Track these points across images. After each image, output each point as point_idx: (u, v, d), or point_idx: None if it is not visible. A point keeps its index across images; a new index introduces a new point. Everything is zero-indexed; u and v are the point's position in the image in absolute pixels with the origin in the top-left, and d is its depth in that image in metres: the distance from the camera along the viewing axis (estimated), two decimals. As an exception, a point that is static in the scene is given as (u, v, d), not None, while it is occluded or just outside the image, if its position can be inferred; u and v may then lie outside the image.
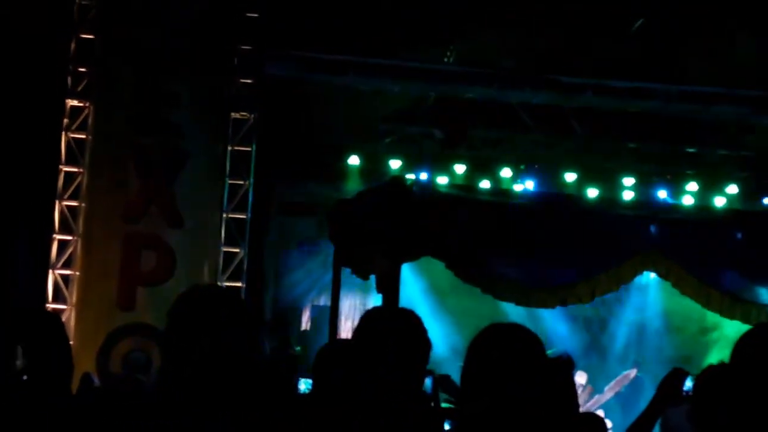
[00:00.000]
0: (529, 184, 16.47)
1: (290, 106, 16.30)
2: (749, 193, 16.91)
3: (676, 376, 4.82)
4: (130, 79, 14.98)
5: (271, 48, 15.35)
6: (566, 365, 5.72)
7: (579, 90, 15.74)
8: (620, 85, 15.79)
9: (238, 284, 15.04)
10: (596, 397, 16.03)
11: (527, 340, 3.68)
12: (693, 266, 14.32)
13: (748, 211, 16.31)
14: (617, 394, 16.83)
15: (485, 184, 16.53)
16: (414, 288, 17.06)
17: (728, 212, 16.19)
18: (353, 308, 17.79)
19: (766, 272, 14.56)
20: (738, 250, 14.69)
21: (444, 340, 14.99)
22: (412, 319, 4.08)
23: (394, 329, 4.01)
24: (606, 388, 16.19)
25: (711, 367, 4.36)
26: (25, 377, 4.00)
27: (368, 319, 4.14)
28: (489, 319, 3.90)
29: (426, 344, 4.05)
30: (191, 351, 3.39)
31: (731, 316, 14.70)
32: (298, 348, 17.03)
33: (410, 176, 16.09)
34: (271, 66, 15.41)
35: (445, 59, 16.22)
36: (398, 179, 14.62)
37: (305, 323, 18.42)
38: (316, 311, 18.19)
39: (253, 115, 15.35)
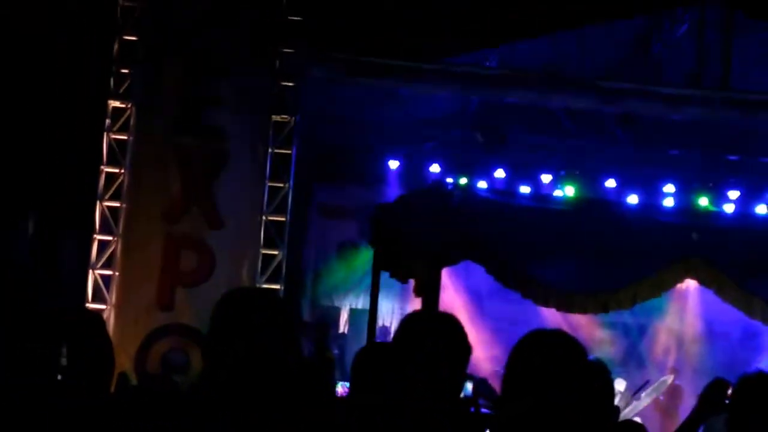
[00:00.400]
0: (569, 190, 16.38)
1: (331, 109, 16.30)
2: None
3: (717, 385, 4.81)
4: (172, 81, 15.05)
5: (313, 50, 15.36)
6: (605, 371, 5.67)
7: (621, 96, 15.67)
8: (663, 91, 15.70)
9: (277, 286, 15.06)
10: (634, 403, 15.93)
11: (570, 346, 3.66)
12: (735, 274, 14.24)
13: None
14: (656, 402, 16.73)
15: (525, 189, 16.47)
16: (453, 293, 17.03)
17: (769, 219, 16.09)
18: (391, 312, 17.78)
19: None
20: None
21: (482, 346, 14.97)
22: (452, 323, 4.06)
23: (434, 332, 3.99)
24: (643, 394, 16.08)
25: (748, 375, 4.33)
26: (61, 377, 4.00)
27: (408, 322, 4.13)
28: (527, 325, 3.89)
29: (466, 348, 4.03)
30: (228, 353, 3.39)
31: (772, 324, 14.64)
32: (336, 351, 17.03)
33: (450, 180, 16.07)
34: (313, 68, 15.42)
35: (487, 63, 16.18)
36: (439, 184, 14.64)
37: (343, 326, 18.43)
38: (355, 314, 18.19)
39: (293, 118, 15.38)
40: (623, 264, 14.02)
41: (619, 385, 16.11)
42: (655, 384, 16.38)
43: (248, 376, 3.36)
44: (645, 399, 15.95)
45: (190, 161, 14.96)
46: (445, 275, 15.16)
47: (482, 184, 16.37)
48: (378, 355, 4.66)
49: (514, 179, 16.68)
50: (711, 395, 4.82)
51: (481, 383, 7.15)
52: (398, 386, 3.86)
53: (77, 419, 3.77)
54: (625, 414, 14.98)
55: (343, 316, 18.43)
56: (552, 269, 13.97)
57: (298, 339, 3.67)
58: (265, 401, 3.36)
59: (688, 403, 15.49)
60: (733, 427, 4.19)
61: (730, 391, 4.77)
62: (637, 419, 13.61)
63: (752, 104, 15.51)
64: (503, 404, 3.66)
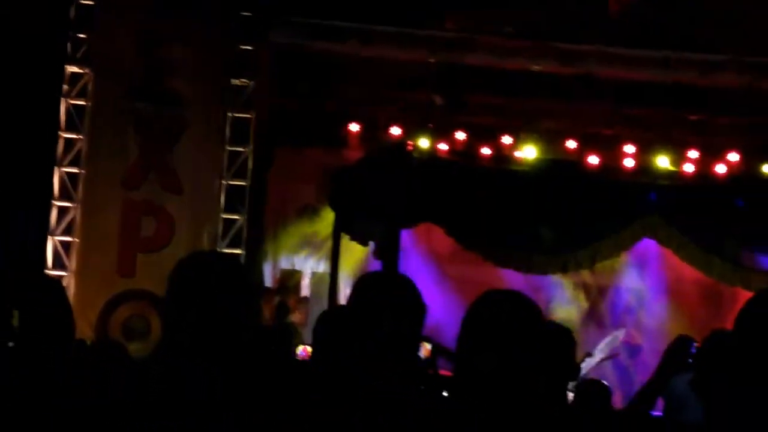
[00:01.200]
0: (530, 152, 16.38)
1: (291, 73, 16.22)
2: (750, 160, 16.83)
3: (681, 343, 4.82)
4: (130, 46, 14.94)
5: (272, 14, 15.28)
6: (566, 332, 5.71)
7: (579, 57, 15.67)
8: (621, 51, 15.71)
9: (238, 251, 15.05)
10: (587, 360, 16.01)
11: (525, 306, 3.66)
12: (694, 233, 14.33)
13: (749, 178, 16.28)
14: (614, 361, 16.81)
15: (486, 151, 16.46)
16: (414, 256, 17.03)
17: (729, 179, 16.16)
18: (353, 275, 17.76)
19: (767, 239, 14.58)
20: (739, 217, 14.70)
21: (445, 309, 14.99)
22: (406, 284, 4.05)
23: (388, 294, 3.97)
24: (595, 351, 16.16)
25: (713, 334, 4.35)
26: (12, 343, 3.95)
27: (362, 284, 4.11)
28: (489, 287, 3.88)
29: (421, 309, 4.01)
30: (188, 317, 3.36)
31: (731, 283, 14.73)
32: (299, 315, 17.01)
33: (411, 143, 16.04)
34: (272, 32, 15.35)
35: (446, 26, 16.13)
36: (398, 146, 14.62)
37: (304, 290, 18.40)
38: (316, 278, 18.17)
39: (253, 82, 15.32)
40: (583, 224, 14.08)
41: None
42: (608, 339, 16.44)
43: (209, 339, 3.34)
44: (597, 355, 16.00)
45: (148, 127, 14.89)
46: (407, 239, 15.17)
47: (443, 147, 16.36)
48: (338, 319, 4.66)
49: (474, 141, 16.66)
50: (675, 351, 4.84)
51: (439, 346, 7.18)
52: (355, 349, 3.85)
53: (22, 386, 3.74)
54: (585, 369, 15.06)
55: (305, 280, 18.41)
56: (512, 231, 14.00)
57: (258, 303, 3.66)
58: (225, 366, 3.34)
59: (648, 363, 15.58)
60: (697, 386, 4.20)
61: (693, 349, 4.79)
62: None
63: (711, 64, 15.54)
64: (459, 367, 3.65)
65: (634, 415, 4.90)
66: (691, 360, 4.77)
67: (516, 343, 3.54)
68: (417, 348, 4.19)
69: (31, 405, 3.62)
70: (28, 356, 3.81)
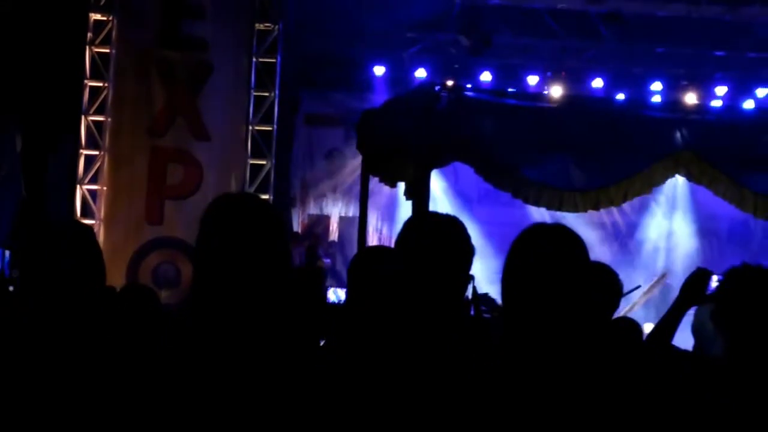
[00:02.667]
0: (556, 90, 16.29)
1: (315, 17, 16.15)
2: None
3: (699, 275, 4.79)
4: (154, -8, 14.91)
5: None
6: (609, 270, 5.68)
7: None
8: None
9: (266, 196, 15.06)
10: (627, 306, 15.97)
11: (572, 239, 3.62)
12: (725, 166, 14.19)
13: (779, 112, 16.18)
14: (647, 301, 16.79)
15: (513, 90, 16.40)
16: (443, 197, 17.01)
17: (758, 113, 16.05)
18: (379, 219, 17.76)
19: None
20: (768, 151, 14.59)
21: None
22: (454, 224, 4.01)
23: (436, 234, 3.94)
24: (637, 293, 16.13)
25: (735, 268, 4.29)
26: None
27: (411, 224, 4.07)
28: (518, 227, 3.82)
29: (469, 249, 3.98)
30: (217, 261, 3.32)
31: (765, 216, 14.62)
32: (328, 260, 17.06)
33: (437, 84, 15.98)
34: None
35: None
36: (425, 86, 14.53)
37: (333, 234, 18.42)
38: (344, 222, 18.19)
39: (277, 27, 15.25)
40: (613, 161, 13.95)
41: None
42: (652, 282, 16.40)
43: (239, 284, 3.29)
44: (640, 297, 15.95)
45: (173, 73, 14.86)
46: (434, 180, 15.12)
47: (469, 86, 16.27)
48: (374, 259, 4.61)
49: (500, 81, 16.61)
50: (693, 284, 4.80)
51: (482, 296, 7.14)
52: (399, 289, 3.82)
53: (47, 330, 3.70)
54: (619, 312, 15.03)
55: (333, 225, 18.42)
56: (542, 168, 13.89)
57: (288, 244, 3.60)
58: (261, 309, 3.30)
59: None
60: (718, 319, 4.17)
61: (715, 282, 4.75)
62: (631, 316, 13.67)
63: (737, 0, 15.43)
64: (505, 301, 3.61)
65: (656, 350, 4.87)
66: (710, 293, 4.74)
67: (561, 279, 3.50)
68: (464, 290, 4.15)
69: (57, 347, 3.59)
70: (56, 301, 3.76)
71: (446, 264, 3.86)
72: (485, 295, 7.37)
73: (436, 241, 3.88)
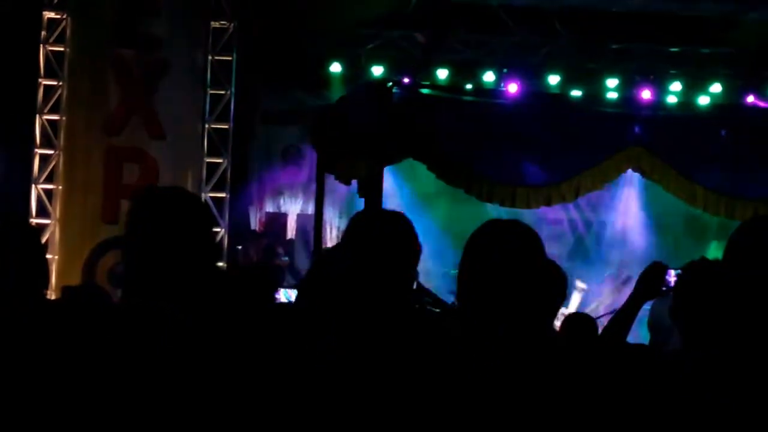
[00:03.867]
0: (512, 87, 16.33)
1: (271, 14, 16.12)
2: (733, 90, 16.85)
3: (655, 269, 4.83)
4: (109, -9, 14.83)
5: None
6: (557, 268, 5.73)
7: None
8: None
9: (222, 194, 15.04)
10: (594, 304, 16.04)
11: (527, 235, 3.65)
12: (677, 162, 14.33)
13: (732, 108, 16.29)
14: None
15: (469, 87, 16.42)
16: (398, 195, 17.01)
17: (712, 109, 16.17)
18: (338, 217, 17.77)
19: (750, 168, 14.60)
20: (722, 147, 14.72)
21: (428, 246, 14.98)
22: (400, 220, 4.02)
23: (382, 231, 3.95)
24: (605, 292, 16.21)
25: (691, 262, 4.34)
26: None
27: (356, 221, 4.08)
28: (474, 224, 3.84)
29: (416, 246, 4.00)
30: (143, 256, 3.32)
31: (716, 212, 14.76)
32: (285, 257, 17.05)
33: (392, 81, 15.99)
34: (250, -27, 15.24)
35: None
36: (379, 82, 14.56)
37: (291, 232, 18.41)
38: (302, 219, 18.17)
39: (233, 24, 15.22)
40: (566, 156, 14.06)
41: (581, 283, 16.26)
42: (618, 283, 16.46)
43: (167, 280, 3.29)
44: (606, 298, 16.03)
45: (128, 72, 14.80)
46: (390, 177, 15.15)
47: (425, 83, 16.29)
48: (329, 258, 4.61)
49: (456, 78, 16.62)
50: (649, 278, 4.85)
51: (424, 290, 7.18)
52: (347, 287, 3.83)
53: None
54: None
55: (291, 222, 18.41)
56: (495, 164, 13.98)
57: (212, 237, 3.58)
58: (191, 307, 3.30)
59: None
60: (675, 314, 4.21)
61: (672, 277, 4.79)
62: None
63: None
64: (460, 297, 3.64)
65: (611, 344, 4.91)
66: (665, 288, 4.78)
67: (520, 271, 3.53)
68: (411, 286, 4.16)
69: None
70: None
71: (392, 261, 3.87)
72: (427, 290, 7.42)
73: (382, 239, 3.90)
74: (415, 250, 3.97)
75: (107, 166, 14.75)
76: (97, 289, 6.38)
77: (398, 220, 4.02)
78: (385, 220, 4.05)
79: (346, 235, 4.03)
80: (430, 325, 3.92)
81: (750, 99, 16.49)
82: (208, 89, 15.18)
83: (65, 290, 10.61)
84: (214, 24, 15.19)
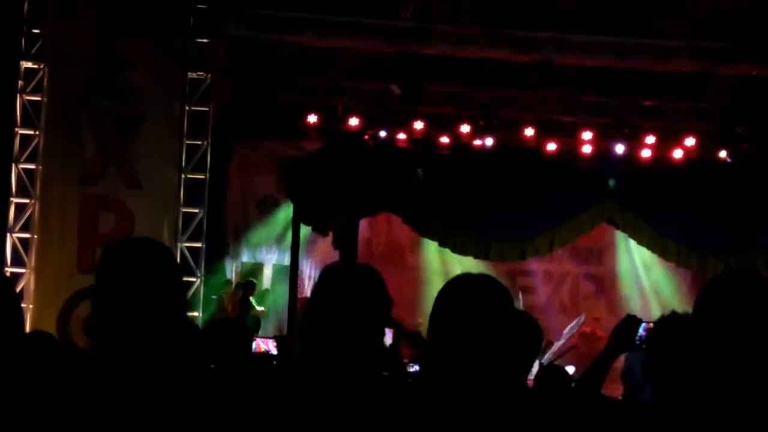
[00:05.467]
0: (489, 140, 16.39)
1: (248, 65, 16.19)
2: (706, 144, 16.95)
3: (628, 322, 4.85)
4: (85, 41, 14.86)
5: (227, 6, 15.24)
6: (531, 322, 5.74)
7: (536, 44, 15.71)
8: (578, 38, 15.76)
9: (198, 244, 15.04)
10: (556, 344, 16.06)
11: (497, 290, 3.67)
12: (650, 217, 14.42)
13: (706, 163, 16.40)
14: (575, 350, 16.87)
15: (444, 139, 16.48)
16: (374, 245, 17.06)
17: (686, 164, 16.28)
18: (314, 268, 17.78)
19: (723, 222, 14.69)
20: (695, 201, 14.82)
21: (407, 298, 14.99)
22: (371, 274, 4.03)
23: (352, 284, 3.96)
24: (564, 334, 16.22)
25: (663, 316, 4.37)
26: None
27: (325, 274, 4.09)
28: (449, 276, 3.87)
29: (386, 299, 4.00)
30: (114, 303, 3.34)
31: (688, 265, 14.84)
32: (261, 308, 17.02)
33: (369, 133, 16.04)
34: (227, 25, 15.30)
35: (402, 16, 16.11)
36: (356, 135, 14.61)
37: (267, 282, 18.40)
38: (278, 270, 18.17)
39: (209, 75, 15.28)
40: (540, 210, 14.14)
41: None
42: (571, 324, 16.50)
43: (136, 328, 3.32)
44: (565, 340, 16.06)
45: (105, 122, 14.83)
46: (366, 228, 15.19)
47: (401, 136, 16.35)
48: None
49: (432, 130, 16.66)
50: (622, 331, 4.86)
51: (413, 336, 7.17)
52: (317, 341, 3.83)
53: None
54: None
55: (267, 273, 18.40)
56: (469, 218, 14.04)
57: (180, 287, 3.61)
58: (158, 358, 3.31)
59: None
60: (646, 368, 4.23)
61: (643, 330, 4.81)
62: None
63: (666, 49, 15.62)
64: (430, 350, 3.65)
65: (585, 397, 4.92)
66: (639, 341, 4.80)
67: (488, 326, 3.55)
68: (381, 338, 4.16)
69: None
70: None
71: (361, 315, 3.88)
72: (416, 334, 7.41)
73: (352, 293, 3.90)
74: (384, 304, 3.97)
75: (83, 215, 14.74)
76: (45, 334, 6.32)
77: (367, 273, 4.03)
78: (354, 273, 4.06)
79: (315, 291, 4.04)
80: (396, 395, 3.90)
81: (722, 154, 16.59)
82: (185, 139, 15.21)
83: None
84: (191, 75, 15.25)
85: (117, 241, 3.51)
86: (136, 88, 14.88)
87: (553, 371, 8.49)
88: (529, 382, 7.20)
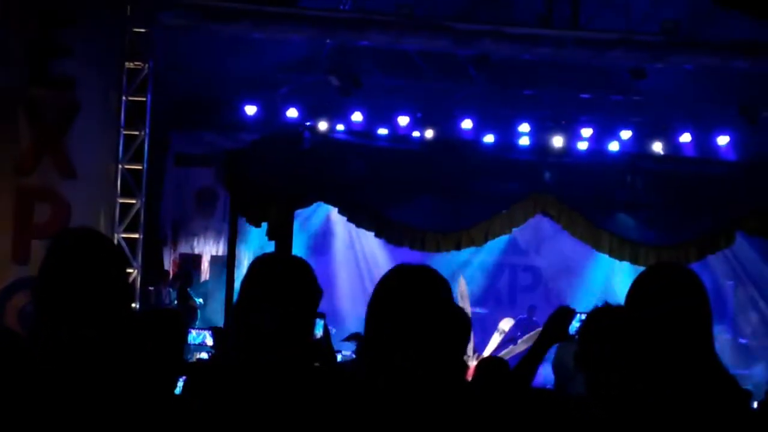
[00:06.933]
0: (427, 132, 16.45)
1: (185, 56, 16.11)
2: (642, 137, 17.11)
3: (562, 313, 4.88)
4: (20, 31, 14.70)
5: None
6: (462, 313, 5.78)
7: (475, 37, 15.75)
8: (516, 31, 15.82)
9: (136, 235, 14.95)
10: (510, 347, 16.14)
11: (434, 280, 3.69)
12: (584, 209, 14.53)
13: (641, 156, 16.55)
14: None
15: (383, 131, 16.52)
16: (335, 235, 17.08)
17: (621, 156, 16.42)
18: (251, 258, 17.73)
19: (657, 215, 14.84)
20: (629, 194, 14.96)
21: (354, 291, 15.02)
22: (300, 265, 4.04)
23: (281, 275, 3.96)
24: (520, 341, 16.33)
25: (598, 307, 4.41)
26: None
27: (255, 265, 4.09)
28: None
29: (315, 290, 4.01)
30: (60, 296, 3.34)
31: (620, 257, 14.97)
32: (199, 300, 16.98)
33: (308, 125, 16.03)
34: (164, 14, 15.20)
35: (341, 6, 16.10)
36: (291, 127, 14.60)
37: (205, 274, 18.34)
38: (215, 262, 18.12)
39: (147, 65, 15.18)
40: (476, 202, 14.22)
41: (506, 324, 16.37)
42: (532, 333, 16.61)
43: (70, 318, 3.31)
44: (521, 345, 16.15)
45: (40, 112, 14.67)
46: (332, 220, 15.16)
47: (340, 128, 16.36)
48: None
49: (371, 122, 16.71)
50: (555, 322, 4.90)
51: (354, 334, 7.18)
52: (248, 333, 3.84)
53: None
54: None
55: (205, 264, 18.34)
56: (406, 209, 14.10)
57: (124, 278, 3.61)
58: (93, 344, 3.31)
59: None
60: (579, 358, 4.27)
61: (577, 321, 4.85)
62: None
63: (602, 43, 15.72)
64: (367, 340, 3.66)
65: (516, 389, 4.95)
66: (572, 332, 4.84)
67: (424, 316, 3.57)
68: (311, 328, 4.17)
69: None
70: None
71: (291, 306, 3.89)
72: (358, 334, 7.43)
73: (281, 283, 3.91)
74: (313, 295, 3.98)
75: (18, 206, 14.58)
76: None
77: (296, 264, 4.04)
78: (283, 264, 4.06)
79: (245, 283, 4.05)
80: (329, 387, 3.91)
81: (657, 147, 16.75)
82: (122, 130, 15.10)
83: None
84: (129, 65, 15.13)
85: (61, 231, 3.50)
86: (72, 78, 14.73)
87: (491, 362, 8.55)
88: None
